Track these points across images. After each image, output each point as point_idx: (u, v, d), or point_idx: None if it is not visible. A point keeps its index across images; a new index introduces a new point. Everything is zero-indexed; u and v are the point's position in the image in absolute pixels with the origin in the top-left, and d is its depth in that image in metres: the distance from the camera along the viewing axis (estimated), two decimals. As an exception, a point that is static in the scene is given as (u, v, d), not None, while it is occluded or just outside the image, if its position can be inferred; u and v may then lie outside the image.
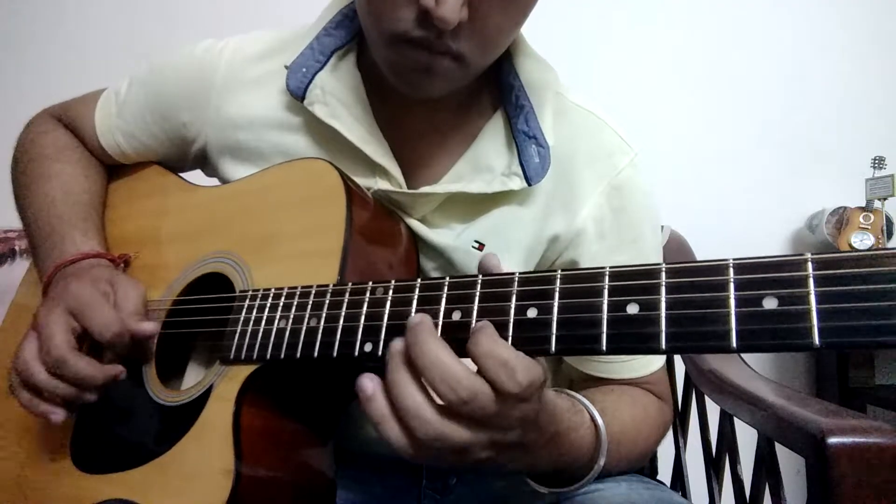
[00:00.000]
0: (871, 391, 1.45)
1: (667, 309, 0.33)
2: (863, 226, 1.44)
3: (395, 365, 0.39)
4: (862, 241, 1.43)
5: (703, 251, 0.95)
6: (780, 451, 0.58)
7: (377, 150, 0.59)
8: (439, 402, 0.38)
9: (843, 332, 0.28)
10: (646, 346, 0.33)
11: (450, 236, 0.60)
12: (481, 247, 0.60)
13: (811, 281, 0.30)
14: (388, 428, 0.38)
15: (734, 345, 0.30)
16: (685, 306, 0.32)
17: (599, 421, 0.50)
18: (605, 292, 0.35)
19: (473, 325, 0.38)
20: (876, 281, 0.28)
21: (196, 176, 0.70)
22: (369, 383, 0.39)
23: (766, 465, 0.61)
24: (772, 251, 1.59)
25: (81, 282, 0.56)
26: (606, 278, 0.35)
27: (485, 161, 0.59)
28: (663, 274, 0.34)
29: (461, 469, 0.40)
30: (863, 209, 1.47)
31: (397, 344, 0.39)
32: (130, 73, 0.72)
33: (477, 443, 0.38)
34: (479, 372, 0.36)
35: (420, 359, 0.37)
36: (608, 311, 0.35)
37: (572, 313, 0.36)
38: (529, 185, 0.58)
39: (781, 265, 0.31)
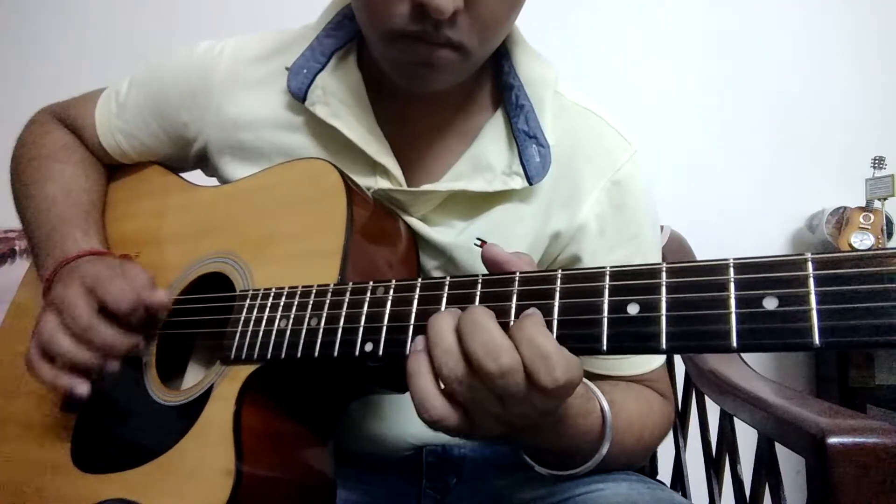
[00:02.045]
0: (871, 391, 1.46)
1: (667, 309, 0.33)
2: (863, 226, 1.44)
3: (441, 313, 0.39)
4: (862, 241, 1.43)
5: (703, 251, 0.95)
6: (780, 451, 0.58)
7: (378, 149, 0.59)
8: None
9: (843, 332, 0.28)
10: (646, 345, 0.33)
11: (451, 234, 0.60)
12: (483, 244, 0.60)
13: (811, 281, 0.30)
14: (422, 381, 0.38)
15: (734, 344, 0.30)
16: (685, 306, 0.32)
17: (607, 410, 0.50)
18: (606, 292, 0.35)
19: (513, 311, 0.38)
20: (876, 281, 0.28)
21: (197, 176, 0.70)
22: (421, 340, 0.40)
23: (766, 465, 0.61)
24: (772, 251, 1.59)
25: (93, 264, 0.58)
26: (607, 278, 0.35)
27: (485, 160, 0.60)
28: (664, 274, 0.34)
29: (469, 438, 0.41)
30: (863, 209, 1.47)
31: (448, 309, 0.40)
32: (130, 74, 0.72)
33: (494, 412, 0.38)
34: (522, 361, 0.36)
35: (465, 321, 0.37)
36: (608, 311, 0.35)
37: (573, 313, 0.36)
38: (531, 184, 0.58)
39: (782, 265, 0.31)
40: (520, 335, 0.36)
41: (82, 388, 0.54)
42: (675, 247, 0.97)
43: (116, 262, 0.60)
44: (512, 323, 0.38)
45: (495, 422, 0.39)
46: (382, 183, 0.59)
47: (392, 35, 0.50)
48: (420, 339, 0.40)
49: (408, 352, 0.40)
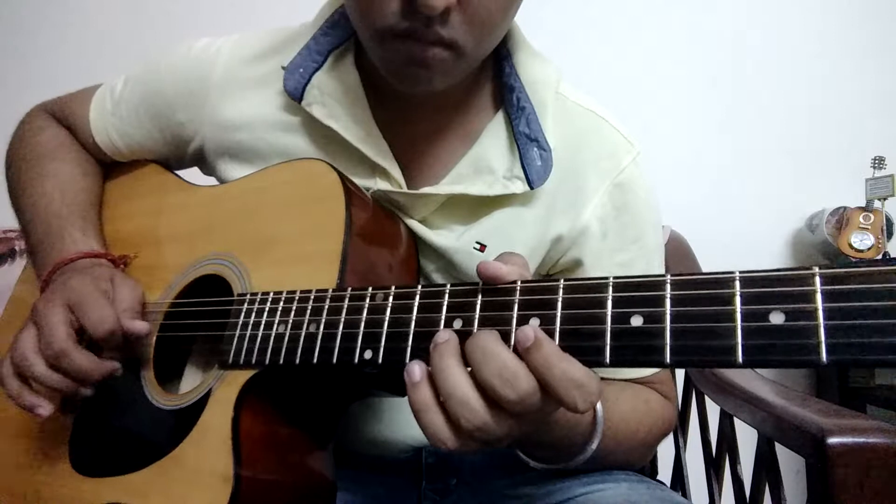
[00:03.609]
0: (871, 391, 1.46)
1: (672, 322, 0.32)
2: (863, 226, 1.43)
3: (443, 352, 0.38)
4: (862, 241, 1.42)
5: (703, 251, 0.95)
6: (780, 451, 0.58)
7: (376, 150, 0.59)
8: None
9: (850, 350, 0.28)
10: (650, 359, 0.32)
11: (451, 238, 0.60)
12: (483, 248, 0.59)
13: (819, 296, 0.29)
14: (431, 417, 0.37)
15: (740, 360, 0.30)
16: (690, 319, 0.32)
17: (598, 405, 0.50)
18: (609, 303, 0.35)
19: (515, 333, 0.36)
20: (885, 297, 0.28)
21: (195, 175, 0.70)
22: (417, 369, 0.38)
23: (766, 465, 0.62)
24: (772, 251, 1.60)
25: (82, 278, 0.57)
26: (610, 289, 0.35)
27: (486, 162, 0.59)
28: (668, 286, 0.33)
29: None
30: (863, 209, 1.46)
31: (444, 334, 0.38)
32: (126, 71, 0.71)
33: (510, 435, 0.38)
34: (547, 390, 0.35)
35: (476, 352, 0.36)
36: (612, 323, 0.34)
37: (575, 324, 0.35)
38: (532, 188, 0.57)
39: (789, 279, 0.30)
40: (550, 374, 0.35)
41: (43, 410, 0.53)
42: (675, 247, 0.96)
43: (107, 277, 0.58)
44: (513, 332, 0.37)
45: (506, 438, 0.38)
46: (382, 184, 0.59)
47: (383, 34, 0.49)
48: (416, 368, 0.38)
49: (407, 360, 0.40)
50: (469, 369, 0.37)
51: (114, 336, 0.53)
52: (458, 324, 0.39)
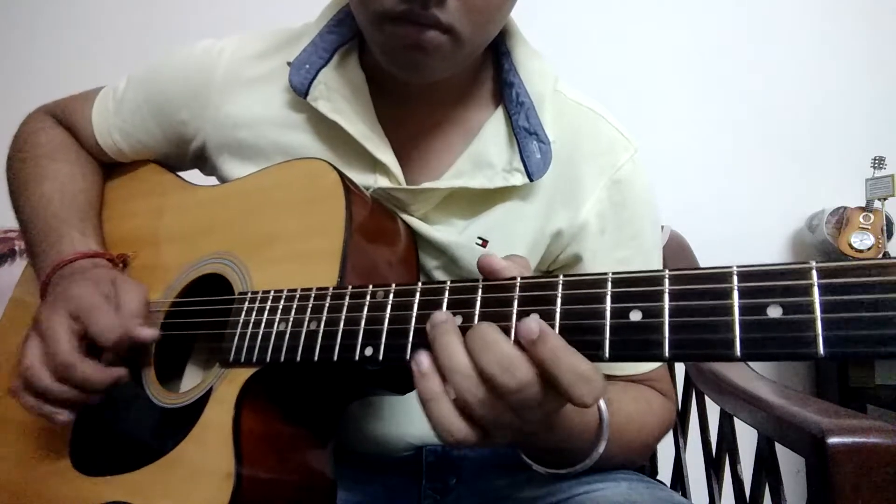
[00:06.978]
0: (871, 391, 1.46)
1: (670, 316, 0.33)
2: (863, 226, 1.43)
3: (443, 329, 0.38)
4: (862, 241, 1.42)
5: (703, 251, 0.95)
6: (780, 451, 0.58)
7: (378, 147, 0.59)
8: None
9: (847, 342, 0.28)
10: (649, 353, 0.33)
11: (452, 233, 0.60)
12: (485, 243, 0.60)
13: (816, 289, 0.29)
14: (439, 406, 0.37)
15: (738, 353, 0.30)
16: (688, 314, 0.32)
17: (603, 408, 0.50)
18: (608, 298, 0.35)
19: (517, 326, 0.36)
20: (881, 290, 0.28)
21: (195, 175, 0.70)
22: (426, 359, 0.38)
23: (766, 465, 0.62)
24: (772, 251, 1.60)
25: (83, 284, 0.56)
26: (609, 284, 0.35)
27: (486, 157, 0.59)
28: (667, 281, 0.33)
29: (484, 447, 0.40)
30: (863, 209, 1.46)
31: (441, 315, 0.39)
32: (128, 72, 0.71)
33: (511, 427, 0.38)
34: (555, 384, 0.35)
35: (475, 339, 0.37)
36: (611, 318, 0.34)
37: (575, 319, 0.36)
38: (531, 180, 0.58)
39: (786, 273, 0.31)
40: (557, 368, 0.35)
41: (62, 417, 0.53)
42: (675, 247, 0.96)
43: (109, 280, 0.57)
44: (513, 328, 0.37)
45: (509, 431, 0.39)
46: (382, 181, 0.59)
47: (381, 17, 0.50)
48: (424, 357, 0.39)
49: (408, 356, 0.40)
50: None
51: (121, 344, 0.53)
52: (458, 320, 0.39)
